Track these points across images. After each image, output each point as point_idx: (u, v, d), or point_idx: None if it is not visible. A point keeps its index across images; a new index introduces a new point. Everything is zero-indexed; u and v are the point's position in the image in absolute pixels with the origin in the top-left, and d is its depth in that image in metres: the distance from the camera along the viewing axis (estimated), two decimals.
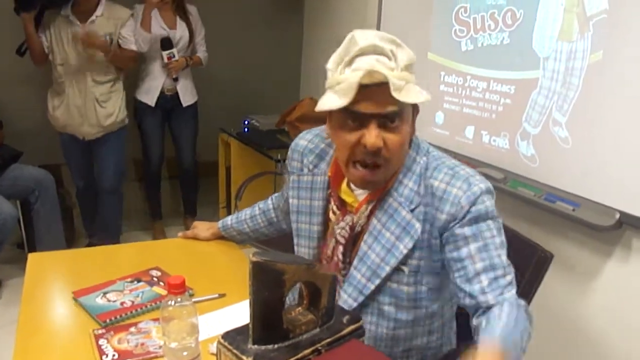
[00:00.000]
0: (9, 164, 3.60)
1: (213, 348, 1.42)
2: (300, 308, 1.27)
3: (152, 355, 1.45)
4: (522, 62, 2.52)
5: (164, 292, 1.73)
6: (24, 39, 3.59)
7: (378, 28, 3.53)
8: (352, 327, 1.28)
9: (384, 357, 1.27)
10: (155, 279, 1.83)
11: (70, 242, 4.00)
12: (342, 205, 1.56)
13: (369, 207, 1.51)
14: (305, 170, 1.65)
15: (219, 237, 2.16)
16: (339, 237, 1.56)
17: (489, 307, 1.34)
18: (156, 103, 4.04)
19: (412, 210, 1.45)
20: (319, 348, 1.20)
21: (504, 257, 1.39)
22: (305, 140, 1.69)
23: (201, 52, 4.22)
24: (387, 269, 1.47)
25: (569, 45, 2.32)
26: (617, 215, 2.15)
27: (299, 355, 1.17)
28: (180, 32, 4.04)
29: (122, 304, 1.68)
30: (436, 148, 1.57)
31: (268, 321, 1.17)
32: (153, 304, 1.69)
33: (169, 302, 1.28)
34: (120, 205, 4.02)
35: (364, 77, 1.29)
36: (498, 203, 1.45)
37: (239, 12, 5.17)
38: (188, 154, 4.36)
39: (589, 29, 2.23)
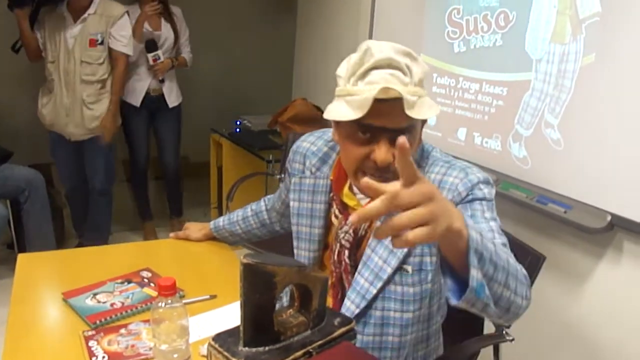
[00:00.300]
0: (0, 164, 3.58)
1: (204, 350, 1.41)
2: (291, 310, 1.27)
3: (142, 357, 1.44)
4: (515, 64, 2.52)
5: (154, 293, 1.73)
6: (19, 36, 3.58)
7: (371, 29, 3.53)
8: (343, 329, 1.27)
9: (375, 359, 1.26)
10: (146, 280, 1.82)
11: (60, 242, 3.98)
12: (344, 208, 1.56)
13: None
14: (308, 172, 1.64)
15: (211, 238, 2.15)
16: (343, 242, 1.54)
17: None
18: (141, 104, 4.04)
19: None
20: (310, 350, 1.20)
21: (495, 225, 1.35)
22: (308, 142, 1.68)
23: (186, 53, 4.23)
24: (389, 270, 1.46)
25: (561, 47, 2.32)
26: (609, 218, 2.15)
27: (290, 358, 1.16)
28: (165, 34, 4.06)
29: (112, 305, 1.67)
30: None
31: (259, 323, 1.16)
32: (143, 306, 1.68)
33: (160, 304, 1.27)
34: (110, 206, 4.01)
35: (379, 93, 1.26)
36: None
37: (232, 13, 5.17)
38: (172, 154, 4.36)
39: (581, 31, 2.23)
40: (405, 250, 1.44)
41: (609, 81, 2.15)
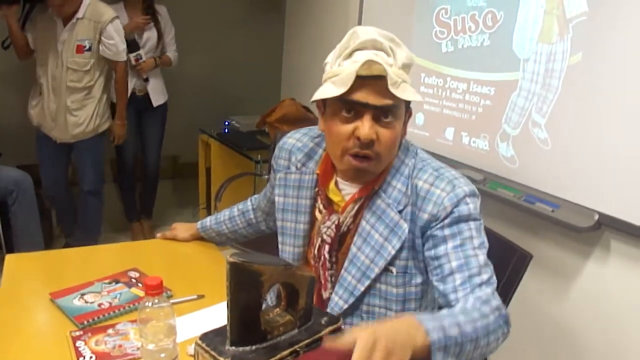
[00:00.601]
0: None
1: (191, 350, 1.41)
2: (278, 309, 1.27)
3: (130, 357, 1.43)
4: (502, 63, 2.53)
5: (142, 293, 1.72)
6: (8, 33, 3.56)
7: None
8: (330, 328, 1.27)
9: None
10: (133, 280, 1.82)
11: (48, 242, 3.95)
12: (329, 204, 1.56)
13: (356, 207, 1.51)
14: (293, 168, 1.64)
15: (198, 238, 2.15)
16: (325, 237, 1.55)
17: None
18: (128, 104, 4.01)
19: (400, 212, 1.45)
20: (297, 349, 1.20)
21: (482, 257, 1.38)
22: (294, 139, 1.69)
23: (171, 52, 4.21)
24: (376, 270, 1.47)
25: (548, 47, 2.33)
26: (596, 217, 2.16)
27: (277, 357, 1.16)
28: (148, 33, 4.04)
29: (99, 305, 1.67)
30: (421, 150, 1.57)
31: (246, 322, 1.16)
32: (131, 306, 1.68)
33: (147, 304, 1.27)
34: (101, 206, 3.98)
35: (362, 67, 1.30)
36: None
37: (220, 12, 5.17)
38: (154, 153, 4.36)
39: (568, 31, 2.24)
40: (393, 252, 1.45)
41: (595, 80, 2.16)
